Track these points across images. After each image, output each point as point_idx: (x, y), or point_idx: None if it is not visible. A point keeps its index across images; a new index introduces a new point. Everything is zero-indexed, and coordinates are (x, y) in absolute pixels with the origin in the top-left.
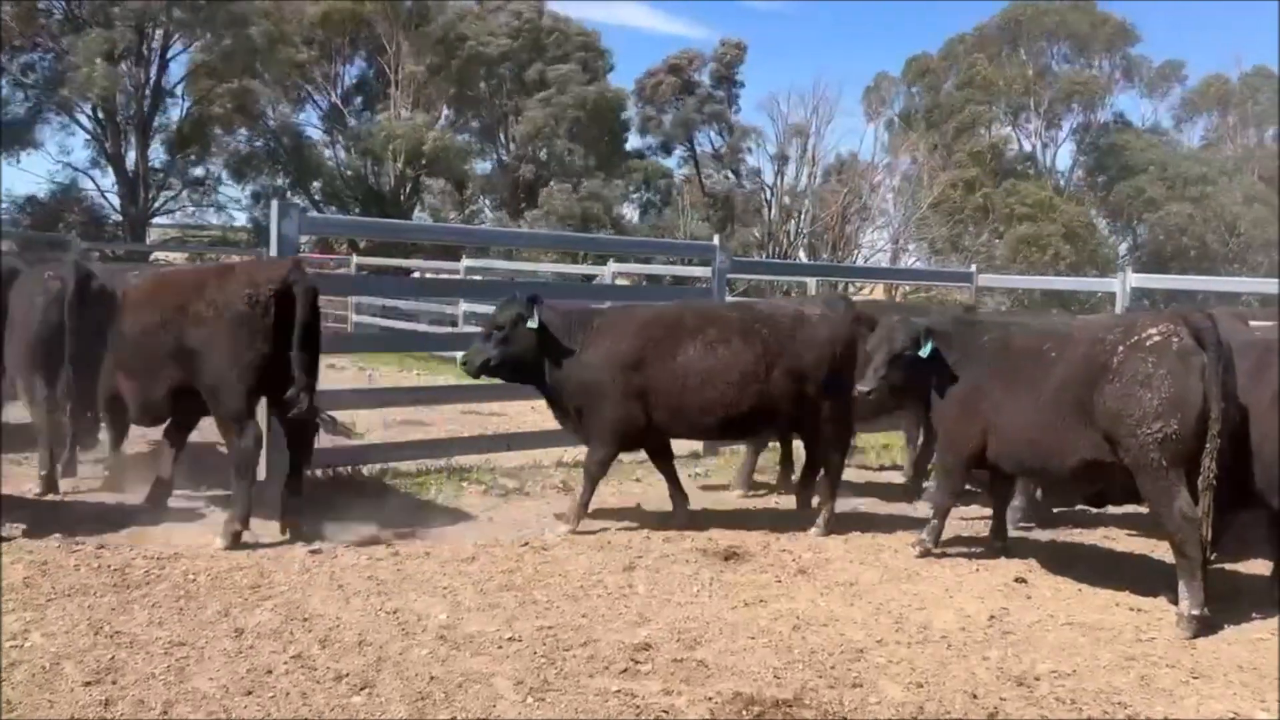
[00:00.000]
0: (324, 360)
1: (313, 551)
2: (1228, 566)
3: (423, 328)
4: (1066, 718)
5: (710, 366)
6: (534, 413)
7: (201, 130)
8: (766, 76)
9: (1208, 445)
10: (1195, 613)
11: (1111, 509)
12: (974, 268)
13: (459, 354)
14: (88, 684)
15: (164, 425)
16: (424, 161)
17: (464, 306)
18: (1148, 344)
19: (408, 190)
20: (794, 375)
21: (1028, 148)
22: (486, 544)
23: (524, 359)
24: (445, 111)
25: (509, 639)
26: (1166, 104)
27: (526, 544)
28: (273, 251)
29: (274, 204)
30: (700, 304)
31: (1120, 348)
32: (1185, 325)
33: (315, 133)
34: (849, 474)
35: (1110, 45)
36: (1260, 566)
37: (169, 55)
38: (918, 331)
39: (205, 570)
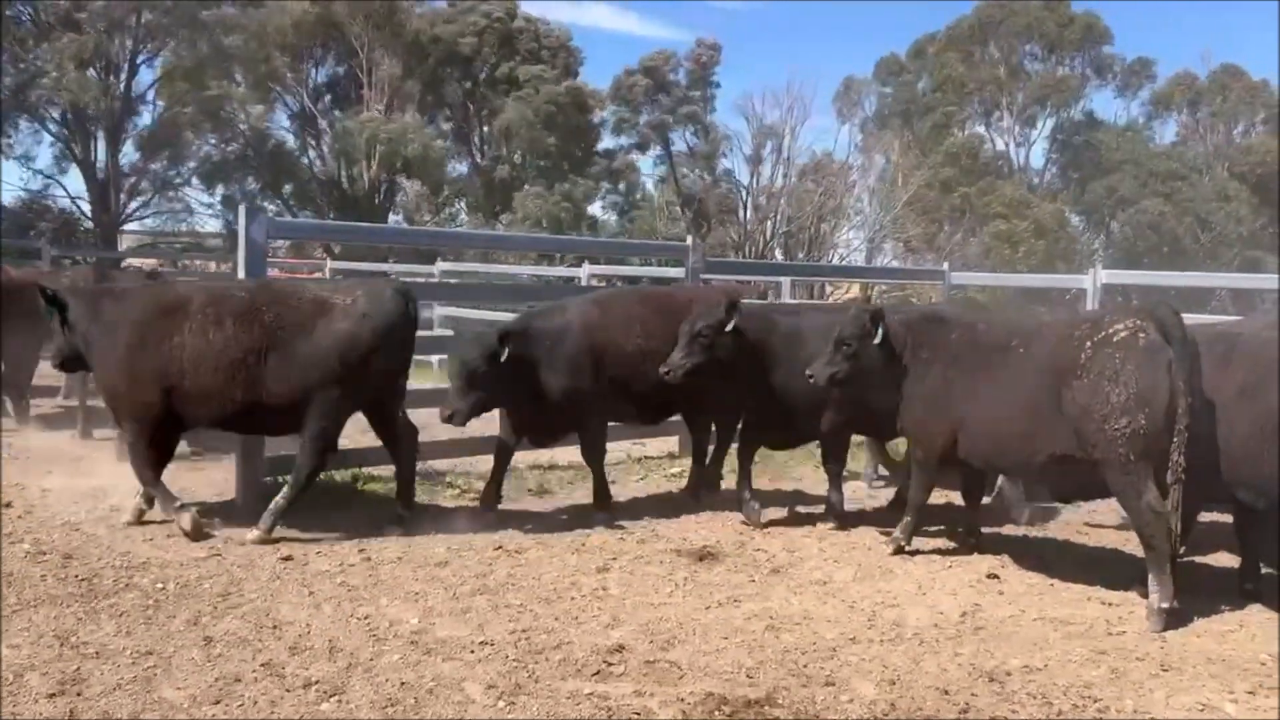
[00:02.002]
0: None
1: (284, 558)
2: (1196, 559)
3: None
4: (1038, 712)
5: (201, 351)
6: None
7: (173, 135)
8: (739, 76)
9: (1175, 439)
10: (1165, 606)
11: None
12: (946, 265)
13: (434, 358)
14: (52, 696)
15: None
16: (399, 165)
17: (439, 310)
18: (1115, 339)
19: (382, 193)
20: (303, 365)
21: (1001, 146)
22: (459, 548)
23: (72, 351)
24: (418, 115)
25: (481, 643)
26: (1138, 101)
27: (500, 548)
28: (241, 257)
29: (241, 209)
30: (218, 284)
31: (1088, 343)
32: (1152, 320)
33: (286, 136)
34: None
35: (1081, 44)
36: (1228, 559)
37: (139, 60)
38: (865, 319)
39: (175, 579)
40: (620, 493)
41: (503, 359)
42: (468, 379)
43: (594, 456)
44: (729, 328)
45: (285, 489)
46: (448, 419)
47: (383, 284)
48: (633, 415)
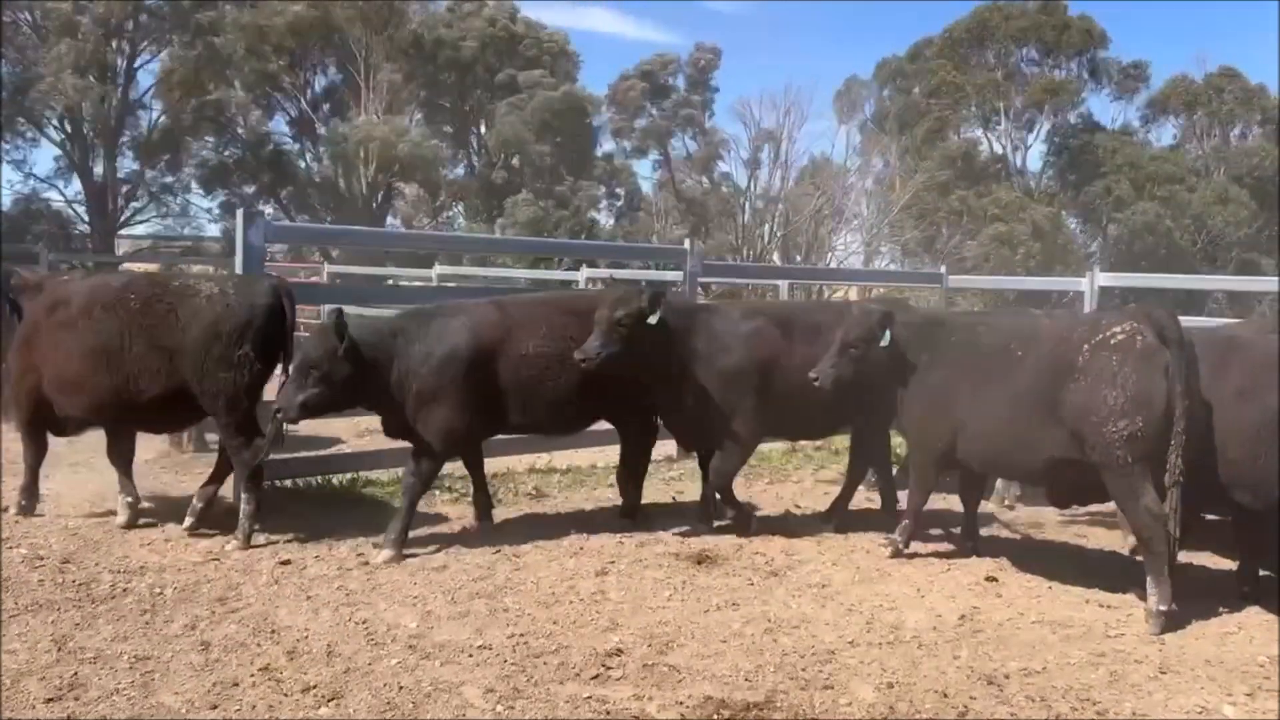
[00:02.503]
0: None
1: (282, 562)
2: (1194, 561)
3: None
4: (1036, 715)
5: (71, 342)
6: None
7: (171, 140)
8: (736, 80)
9: (1173, 442)
10: (1163, 608)
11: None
12: (944, 268)
13: None
14: (49, 701)
15: None
16: (396, 168)
17: None
18: (1112, 342)
19: (380, 197)
20: (166, 354)
21: (998, 150)
22: (457, 552)
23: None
24: (417, 116)
25: (479, 647)
26: (1135, 105)
27: (498, 551)
28: (239, 260)
29: (239, 213)
30: (102, 277)
31: (1085, 346)
32: (1149, 323)
33: (285, 140)
34: (826, 474)
35: (1079, 48)
36: (1216, 560)
37: (136, 65)
38: (873, 321)
39: (172, 583)
40: (618, 496)
41: (340, 353)
42: (303, 374)
43: (413, 478)
44: (652, 320)
45: (242, 496)
46: (277, 413)
47: (257, 277)
48: (539, 426)
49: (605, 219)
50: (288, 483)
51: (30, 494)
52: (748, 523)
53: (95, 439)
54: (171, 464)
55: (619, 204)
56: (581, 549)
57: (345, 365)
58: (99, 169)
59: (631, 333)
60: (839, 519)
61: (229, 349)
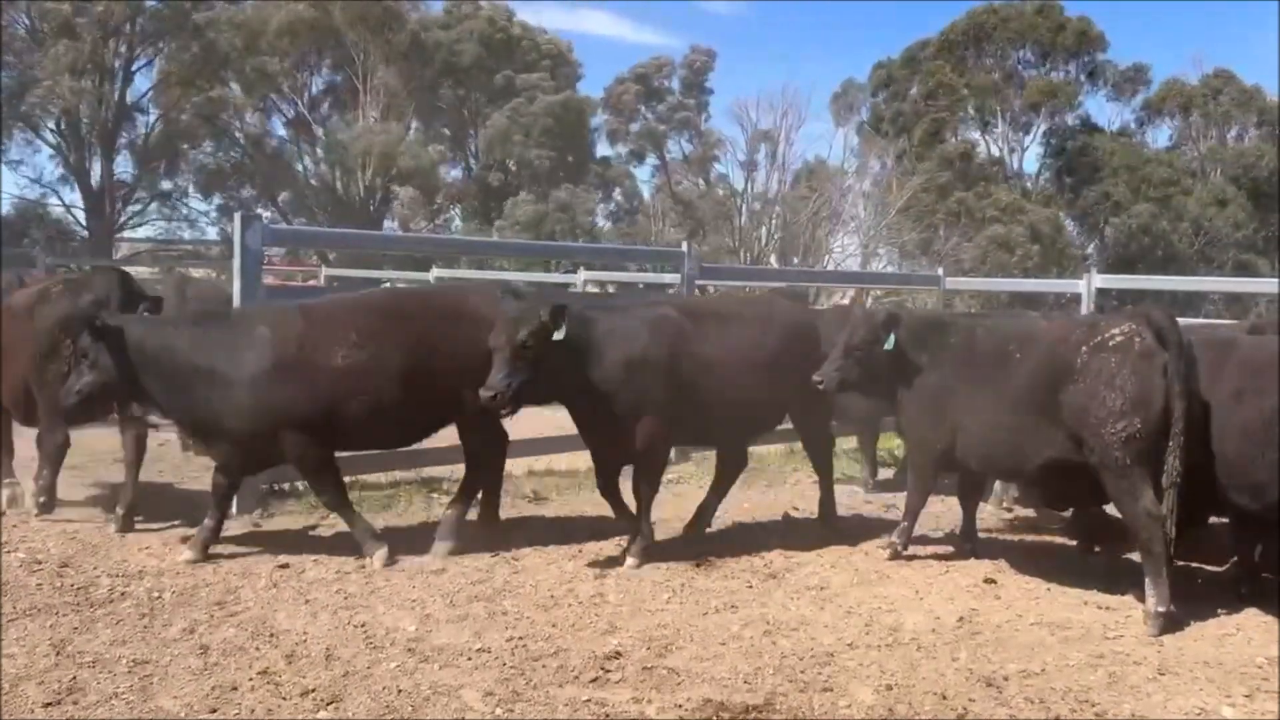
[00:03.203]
0: None
1: (281, 566)
2: (1193, 563)
3: None
4: (1035, 717)
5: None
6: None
7: (169, 143)
8: (734, 82)
9: (1171, 443)
10: (1162, 610)
11: None
12: (941, 270)
13: None
14: (48, 705)
15: None
16: (394, 171)
17: None
18: (1111, 344)
19: (377, 200)
20: (17, 361)
21: (995, 152)
22: (456, 555)
23: None
24: (414, 123)
25: (478, 650)
26: (1131, 106)
27: (497, 554)
28: (236, 263)
29: (237, 216)
30: (33, 285)
31: (1084, 347)
32: (1147, 324)
33: (282, 143)
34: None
35: (1074, 50)
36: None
37: (134, 68)
38: (878, 324)
39: (170, 587)
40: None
41: (98, 343)
42: (78, 362)
43: (323, 495)
44: (558, 335)
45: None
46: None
47: (98, 273)
48: (363, 442)
49: (603, 222)
50: (285, 485)
51: (16, 484)
52: (647, 544)
53: (95, 442)
54: (170, 465)
55: (612, 207)
56: (580, 552)
57: (106, 358)
58: (96, 172)
59: (539, 354)
60: (831, 522)
61: (58, 345)
